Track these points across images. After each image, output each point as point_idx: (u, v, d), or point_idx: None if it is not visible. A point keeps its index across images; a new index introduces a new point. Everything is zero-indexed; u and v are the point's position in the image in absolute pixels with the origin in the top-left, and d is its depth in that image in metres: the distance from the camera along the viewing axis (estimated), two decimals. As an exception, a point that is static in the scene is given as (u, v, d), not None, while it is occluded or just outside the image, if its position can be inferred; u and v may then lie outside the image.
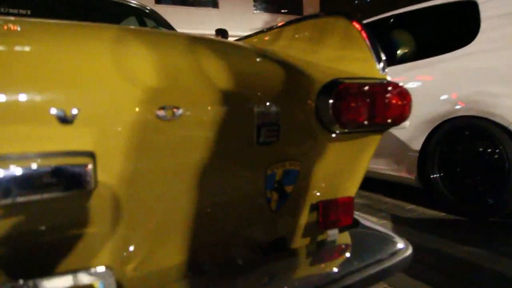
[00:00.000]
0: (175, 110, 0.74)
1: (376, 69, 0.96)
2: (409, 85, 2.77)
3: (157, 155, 0.74)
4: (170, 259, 0.81)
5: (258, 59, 0.93)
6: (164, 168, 0.76)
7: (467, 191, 2.44)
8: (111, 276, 0.69)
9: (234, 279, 0.82)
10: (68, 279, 0.68)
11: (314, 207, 0.93)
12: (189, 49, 0.86)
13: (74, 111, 0.64)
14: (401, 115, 0.93)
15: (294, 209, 0.92)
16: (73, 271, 0.69)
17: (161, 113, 0.72)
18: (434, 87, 2.63)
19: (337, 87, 0.85)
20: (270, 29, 1.33)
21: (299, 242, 0.95)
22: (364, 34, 1.00)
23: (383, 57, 1.00)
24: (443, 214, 2.54)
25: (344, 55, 1.05)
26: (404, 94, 0.95)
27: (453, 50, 2.61)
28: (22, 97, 0.62)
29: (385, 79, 0.97)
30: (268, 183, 0.85)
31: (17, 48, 0.66)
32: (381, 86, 0.91)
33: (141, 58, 0.76)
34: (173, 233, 0.79)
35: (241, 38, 1.44)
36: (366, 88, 0.87)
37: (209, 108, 0.77)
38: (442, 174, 2.61)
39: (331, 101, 0.84)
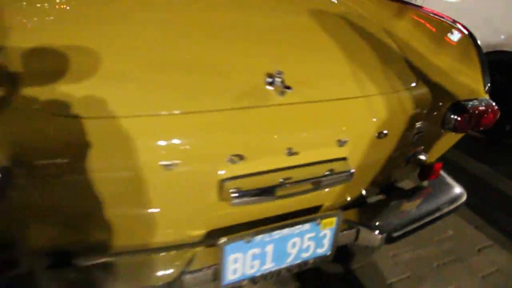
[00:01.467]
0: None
1: (482, 90, 1.25)
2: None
3: None
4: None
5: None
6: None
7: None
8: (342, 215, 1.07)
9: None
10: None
11: (423, 166, 1.41)
12: None
13: (346, 139, 0.98)
14: (489, 124, 1.25)
15: (412, 167, 1.39)
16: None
17: None
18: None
19: (460, 109, 1.18)
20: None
21: (410, 185, 1.42)
22: (480, 57, 1.27)
23: (488, 80, 1.38)
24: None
25: (459, 68, 1.28)
26: (496, 111, 1.23)
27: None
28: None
29: (487, 99, 1.24)
30: (409, 156, 1.30)
31: None
32: (486, 107, 1.21)
33: None
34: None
35: None
36: (478, 109, 1.20)
37: None
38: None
39: (454, 117, 1.18)
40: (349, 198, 1.22)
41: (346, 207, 1.23)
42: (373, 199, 1.35)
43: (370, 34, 1.38)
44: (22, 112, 0.77)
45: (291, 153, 0.93)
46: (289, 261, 1.06)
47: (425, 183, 1.42)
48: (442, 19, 1.43)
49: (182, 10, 1.24)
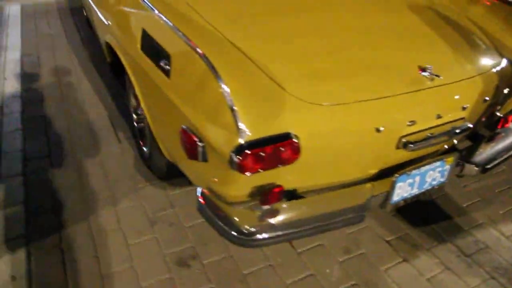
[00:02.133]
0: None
1: None
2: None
3: None
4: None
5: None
6: None
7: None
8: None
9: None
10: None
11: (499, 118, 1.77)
12: None
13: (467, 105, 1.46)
14: None
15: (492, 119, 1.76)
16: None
17: None
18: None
19: None
20: None
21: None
22: None
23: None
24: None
25: None
26: None
27: None
28: None
29: None
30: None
31: None
32: None
33: None
34: None
35: None
36: None
37: None
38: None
39: None
40: (456, 143, 1.74)
41: (452, 150, 1.75)
42: (465, 143, 1.86)
43: (461, 23, 1.82)
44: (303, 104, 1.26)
45: (439, 116, 1.43)
46: (425, 187, 1.60)
47: (499, 130, 1.94)
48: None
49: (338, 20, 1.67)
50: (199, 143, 1.25)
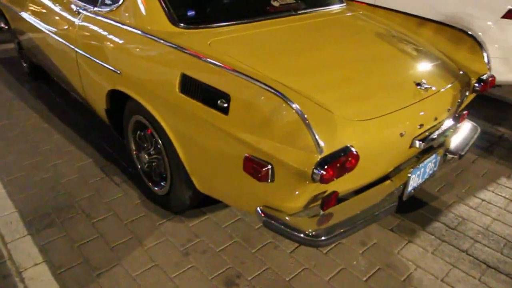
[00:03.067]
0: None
1: (486, 68, 2.16)
2: None
3: None
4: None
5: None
6: None
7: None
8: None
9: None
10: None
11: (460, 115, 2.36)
12: None
13: (450, 108, 1.89)
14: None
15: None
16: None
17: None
18: None
19: (486, 80, 2.05)
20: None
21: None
22: (484, 52, 2.17)
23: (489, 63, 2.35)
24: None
25: (472, 57, 2.22)
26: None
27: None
28: None
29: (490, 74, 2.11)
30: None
31: None
32: (493, 77, 2.10)
33: None
34: None
35: None
36: (491, 79, 2.08)
37: None
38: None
39: (478, 85, 2.04)
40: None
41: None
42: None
43: (425, 46, 2.29)
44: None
45: (435, 118, 1.83)
46: (426, 176, 1.98)
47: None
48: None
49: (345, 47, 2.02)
50: (269, 166, 1.47)
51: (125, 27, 2.06)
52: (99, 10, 2.28)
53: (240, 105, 1.51)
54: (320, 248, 2.06)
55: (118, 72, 2.01)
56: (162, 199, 2.24)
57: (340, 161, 1.37)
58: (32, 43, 3.22)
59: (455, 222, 2.30)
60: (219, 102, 1.55)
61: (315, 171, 1.35)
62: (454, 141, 2.17)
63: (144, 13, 2.03)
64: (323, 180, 1.35)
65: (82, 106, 3.49)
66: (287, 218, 1.57)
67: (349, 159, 1.40)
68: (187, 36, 1.89)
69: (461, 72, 2.09)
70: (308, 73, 1.71)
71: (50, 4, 2.80)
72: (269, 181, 1.48)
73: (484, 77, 2.14)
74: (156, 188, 2.24)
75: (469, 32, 2.31)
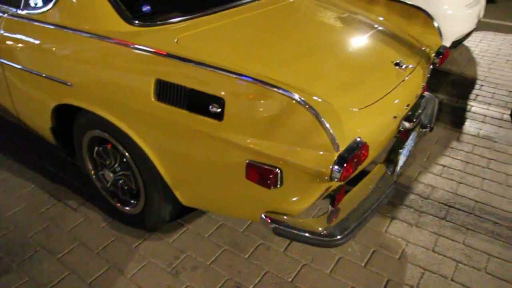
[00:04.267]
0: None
1: (440, 40, 2.30)
2: None
3: None
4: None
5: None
6: None
7: None
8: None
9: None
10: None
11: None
12: None
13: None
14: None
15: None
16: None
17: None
18: None
19: (443, 53, 2.09)
20: None
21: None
22: (435, 24, 2.26)
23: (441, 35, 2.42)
24: None
25: (425, 30, 2.40)
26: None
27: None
28: None
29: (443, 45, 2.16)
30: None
31: None
32: (447, 49, 2.16)
33: None
34: None
35: None
36: (446, 51, 2.14)
37: None
38: None
39: (438, 57, 2.08)
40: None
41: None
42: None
43: (383, 25, 2.28)
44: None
45: (417, 96, 1.84)
46: (407, 154, 2.01)
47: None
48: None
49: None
50: (277, 170, 1.36)
51: (69, 30, 1.76)
52: (28, 13, 1.93)
53: (237, 108, 1.37)
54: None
55: (68, 84, 1.73)
56: (134, 218, 2.02)
57: (356, 155, 1.31)
58: None
59: (427, 192, 2.38)
60: (210, 107, 1.39)
61: (335, 169, 1.27)
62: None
63: (89, 11, 1.75)
64: (342, 178, 1.28)
65: (4, 124, 3.02)
66: (298, 221, 1.48)
67: (362, 151, 1.34)
68: (147, 35, 1.68)
69: (423, 48, 2.12)
70: (291, 64, 1.61)
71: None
72: (278, 186, 1.37)
73: (441, 50, 2.20)
74: (127, 208, 2.01)
75: (419, 6, 2.35)
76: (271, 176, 1.35)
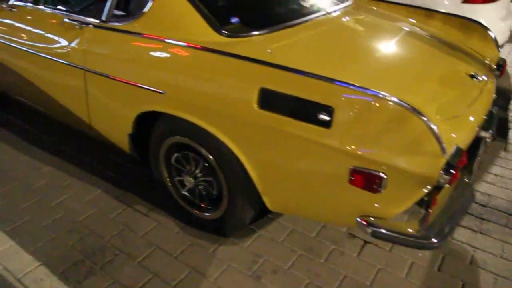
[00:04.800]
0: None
1: (498, 53, 2.32)
2: None
3: None
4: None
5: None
6: None
7: None
8: None
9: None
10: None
11: None
12: None
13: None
14: None
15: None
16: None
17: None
18: None
19: (502, 63, 2.17)
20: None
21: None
22: (492, 35, 2.31)
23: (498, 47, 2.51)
24: None
25: (483, 44, 2.46)
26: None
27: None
28: None
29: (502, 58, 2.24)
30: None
31: None
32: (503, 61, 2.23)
33: None
34: None
35: None
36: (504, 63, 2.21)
37: None
38: None
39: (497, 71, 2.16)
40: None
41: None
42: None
43: (447, 38, 2.36)
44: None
45: (491, 106, 1.92)
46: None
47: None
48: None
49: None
50: (383, 175, 1.43)
51: (162, 40, 1.84)
52: (114, 24, 2.01)
53: (346, 116, 1.44)
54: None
55: (161, 92, 1.80)
56: (212, 224, 2.08)
57: (461, 161, 1.38)
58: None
59: (484, 200, 2.46)
60: (318, 115, 1.46)
61: (444, 175, 1.34)
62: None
63: (179, 22, 1.83)
64: (450, 183, 1.35)
65: (60, 130, 3.08)
66: (393, 224, 1.54)
67: (463, 158, 1.42)
68: (240, 45, 1.75)
69: (485, 60, 2.21)
70: (386, 74, 1.69)
71: (34, 20, 2.41)
72: (381, 190, 1.44)
73: (501, 62, 2.28)
74: (206, 214, 2.06)
75: (475, 19, 2.44)
76: (377, 181, 1.42)
